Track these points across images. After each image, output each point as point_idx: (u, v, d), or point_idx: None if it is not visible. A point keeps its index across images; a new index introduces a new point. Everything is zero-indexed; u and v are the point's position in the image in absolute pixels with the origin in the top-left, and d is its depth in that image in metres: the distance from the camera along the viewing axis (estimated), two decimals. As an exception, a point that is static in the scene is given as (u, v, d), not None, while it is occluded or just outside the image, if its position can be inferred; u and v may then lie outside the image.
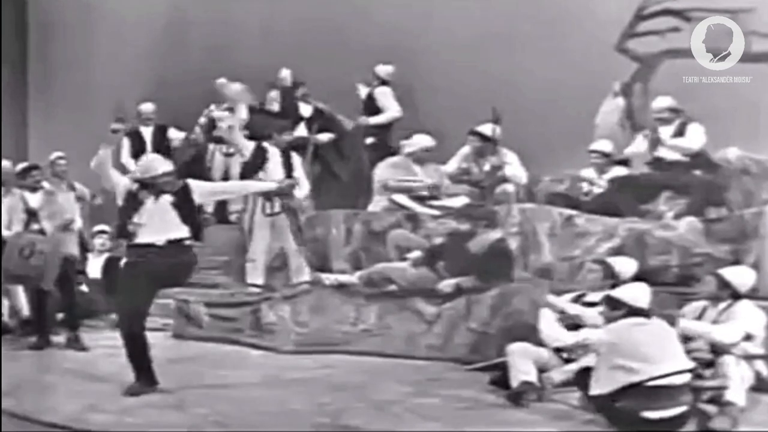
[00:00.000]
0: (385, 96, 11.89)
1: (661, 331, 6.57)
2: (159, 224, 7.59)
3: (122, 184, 7.82)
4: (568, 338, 6.89)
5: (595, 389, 6.51)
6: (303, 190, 10.38)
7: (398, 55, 12.19)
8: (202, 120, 12.52)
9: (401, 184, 10.53)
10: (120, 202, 7.75)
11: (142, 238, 7.58)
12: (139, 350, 7.55)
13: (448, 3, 12.74)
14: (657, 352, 6.41)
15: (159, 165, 7.80)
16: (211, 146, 12.51)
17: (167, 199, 7.65)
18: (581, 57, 11.67)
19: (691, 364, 6.53)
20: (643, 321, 6.57)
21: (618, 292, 6.82)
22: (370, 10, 13.04)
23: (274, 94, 12.42)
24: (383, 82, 12.02)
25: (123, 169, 12.49)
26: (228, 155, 12.42)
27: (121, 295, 7.76)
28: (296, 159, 10.56)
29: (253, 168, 10.25)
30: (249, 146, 10.26)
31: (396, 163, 10.81)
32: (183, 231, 7.63)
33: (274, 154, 10.32)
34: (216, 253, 11.72)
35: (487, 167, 10.53)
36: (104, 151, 7.85)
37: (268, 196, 10.02)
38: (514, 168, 10.50)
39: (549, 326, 7.14)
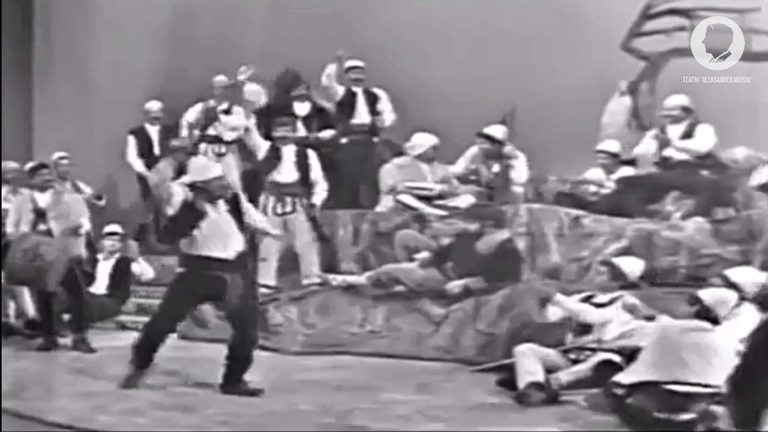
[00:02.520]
0: (385, 97, 11.86)
1: (712, 343, 6.46)
2: (224, 236, 7.49)
3: (179, 193, 7.56)
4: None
5: (621, 377, 6.49)
6: (320, 190, 10.34)
7: (405, 52, 12.18)
8: (193, 118, 12.50)
9: (412, 191, 10.49)
10: (171, 211, 7.52)
11: (207, 251, 7.45)
12: (150, 350, 7.61)
13: (454, 1, 12.74)
14: (695, 361, 6.33)
15: (212, 168, 7.69)
16: (203, 146, 12.52)
17: (224, 207, 7.54)
18: (588, 56, 11.66)
19: (720, 383, 6.44)
20: (702, 327, 6.49)
21: (704, 293, 6.78)
22: (376, 6, 13.04)
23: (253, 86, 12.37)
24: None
25: (128, 169, 12.59)
26: (220, 155, 12.42)
27: (167, 300, 7.74)
28: (313, 158, 10.50)
29: (267, 168, 10.23)
30: (264, 146, 10.25)
31: (403, 164, 10.79)
32: (241, 242, 7.57)
33: (287, 154, 10.29)
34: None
35: (495, 168, 10.51)
36: (165, 165, 7.71)
37: (279, 195, 10.04)
38: (518, 169, 10.49)
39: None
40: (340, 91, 11.85)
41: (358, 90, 11.87)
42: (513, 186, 10.45)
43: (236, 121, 12.19)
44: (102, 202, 12.15)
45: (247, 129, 10.46)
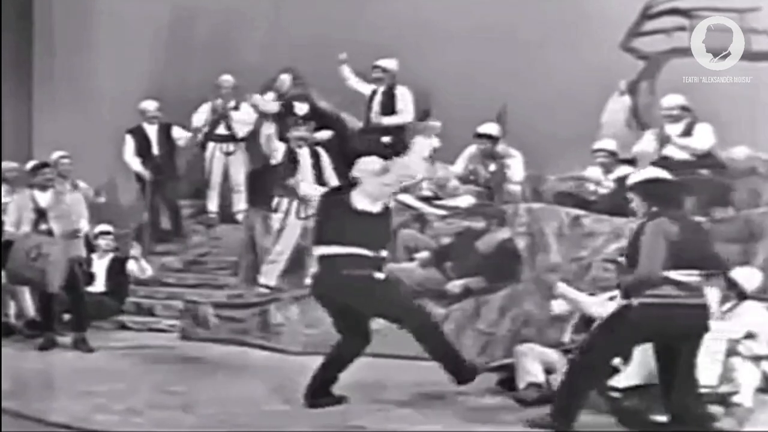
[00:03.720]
0: (405, 97, 11.76)
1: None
2: None
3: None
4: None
5: (615, 381, 6.49)
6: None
7: (404, 52, 12.15)
8: (204, 117, 12.50)
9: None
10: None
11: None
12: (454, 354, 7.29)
13: (453, 1, 12.74)
14: None
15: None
16: (211, 144, 12.52)
17: None
18: (588, 55, 11.66)
19: (713, 382, 6.43)
20: None
21: None
22: (377, 5, 13.03)
23: (270, 96, 12.42)
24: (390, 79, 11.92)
25: (126, 168, 12.62)
26: (228, 154, 12.43)
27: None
28: (325, 158, 10.51)
29: (286, 171, 10.23)
30: (281, 149, 10.27)
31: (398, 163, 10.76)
32: None
33: (304, 156, 10.31)
34: (224, 253, 11.75)
35: (492, 167, 10.52)
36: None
37: (303, 199, 10.04)
38: (513, 168, 10.49)
39: None
40: (367, 90, 11.80)
41: (379, 89, 11.82)
42: (510, 185, 10.45)
43: (247, 117, 12.21)
44: (101, 199, 12.17)
45: (269, 136, 10.46)
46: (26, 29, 15.36)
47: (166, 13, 14.68)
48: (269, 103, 11.52)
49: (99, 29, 14.91)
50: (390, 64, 11.80)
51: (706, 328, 6.14)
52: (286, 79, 12.23)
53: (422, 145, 7.41)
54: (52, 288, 9.24)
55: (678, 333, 6.08)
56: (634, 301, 5.98)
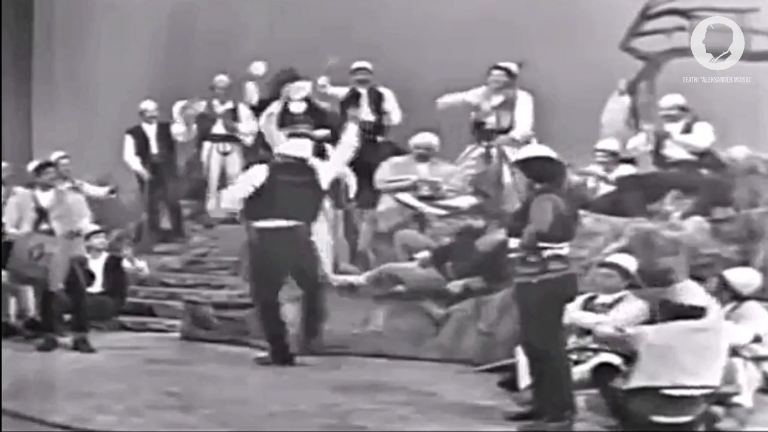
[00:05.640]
0: (392, 98, 11.85)
1: (707, 340, 6.44)
2: None
3: None
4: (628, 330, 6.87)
5: (619, 382, 6.49)
6: (352, 183, 10.44)
7: (402, 51, 12.19)
8: (193, 113, 12.51)
9: (391, 185, 10.50)
10: None
11: None
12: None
13: (453, 1, 12.76)
14: (690, 363, 6.32)
15: None
16: (207, 144, 12.52)
17: None
18: (588, 55, 11.68)
19: (717, 383, 6.43)
20: (695, 326, 6.48)
21: (674, 292, 6.82)
22: (375, 6, 13.05)
23: (250, 85, 12.43)
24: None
25: (126, 168, 12.64)
26: (225, 154, 12.44)
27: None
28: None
29: None
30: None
31: (398, 162, 10.77)
32: None
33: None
34: (224, 253, 11.75)
35: (496, 102, 10.45)
36: None
37: None
38: (522, 112, 10.45)
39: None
40: (341, 92, 11.87)
41: (363, 90, 11.87)
42: (506, 175, 10.38)
43: (248, 125, 12.23)
44: (113, 196, 12.24)
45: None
46: (26, 29, 15.38)
47: (166, 13, 14.70)
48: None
49: (99, 29, 14.94)
50: (369, 64, 11.87)
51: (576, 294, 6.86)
52: (260, 65, 12.28)
53: (354, 130, 9.50)
54: (54, 286, 9.23)
55: (566, 300, 6.62)
56: (533, 280, 6.37)
